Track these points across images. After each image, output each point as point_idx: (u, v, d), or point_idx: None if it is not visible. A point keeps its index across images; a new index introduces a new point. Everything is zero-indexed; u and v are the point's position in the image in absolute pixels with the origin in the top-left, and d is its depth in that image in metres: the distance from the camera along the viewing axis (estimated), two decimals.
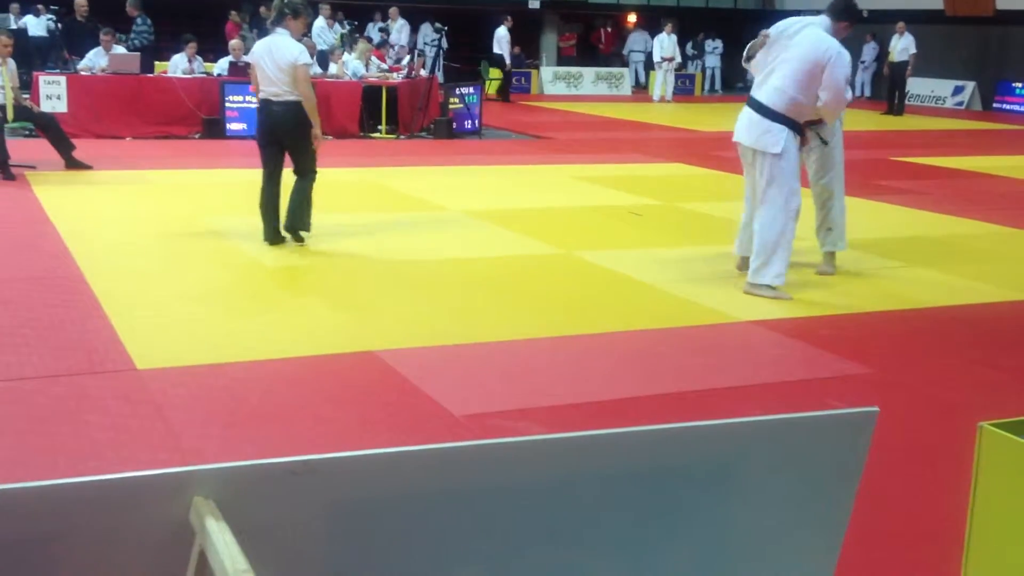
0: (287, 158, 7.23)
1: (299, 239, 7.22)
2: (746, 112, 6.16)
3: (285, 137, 7.11)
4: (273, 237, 7.14)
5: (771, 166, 5.97)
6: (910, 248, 7.73)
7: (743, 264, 6.46)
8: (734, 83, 28.52)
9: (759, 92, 6.09)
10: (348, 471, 1.63)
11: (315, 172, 7.33)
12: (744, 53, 6.39)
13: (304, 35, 16.58)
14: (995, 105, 22.70)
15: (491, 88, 22.16)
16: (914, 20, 20.32)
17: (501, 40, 21.70)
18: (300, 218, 7.22)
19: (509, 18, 21.91)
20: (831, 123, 6.36)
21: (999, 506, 2.39)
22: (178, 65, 14.28)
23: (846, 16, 6.13)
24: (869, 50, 24.46)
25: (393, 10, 21.71)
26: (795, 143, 6.00)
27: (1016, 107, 22.61)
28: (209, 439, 3.82)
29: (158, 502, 1.51)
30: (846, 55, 5.97)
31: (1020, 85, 22.55)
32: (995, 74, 22.44)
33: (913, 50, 19.41)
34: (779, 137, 5.93)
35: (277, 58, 6.91)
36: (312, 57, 14.90)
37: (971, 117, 21.10)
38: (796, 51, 5.97)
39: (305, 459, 1.60)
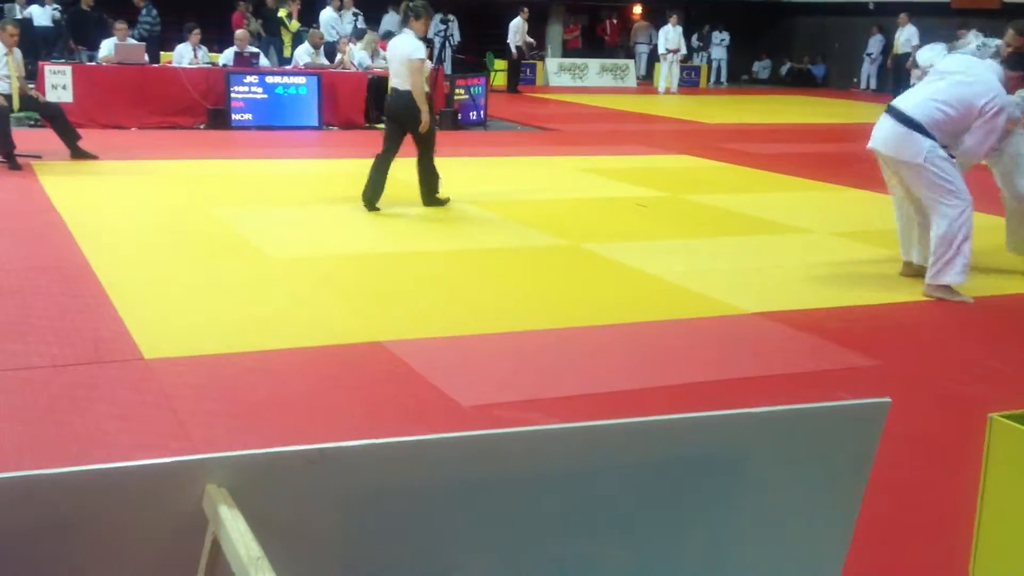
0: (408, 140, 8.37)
1: (438, 203, 8.37)
2: (886, 121, 6.12)
3: (404, 121, 8.22)
4: (369, 205, 8.18)
5: (912, 172, 6.08)
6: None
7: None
8: (739, 75, 28.48)
9: (898, 103, 6.17)
10: (361, 460, 1.64)
11: (428, 153, 8.42)
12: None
13: (312, 26, 16.57)
14: None
15: (497, 79, 22.14)
16: (921, 13, 20.26)
17: (516, 31, 21.65)
18: (426, 189, 8.35)
19: (525, 9, 21.84)
20: None
21: (1009, 497, 2.39)
22: (183, 55, 14.28)
23: None
24: (875, 43, 24.40)
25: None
26: None
27: None
28: (218, 429, 3.82)
29: (172, 490, 1.51)
30: None
31: None
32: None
33: (916, 42, 19.32)
34: None
35: (399, 53, 8.06)
36: (319, 48, 15.02)
37: None
38: (948, 82, 6.06)
39: (320, 447, 1.60)
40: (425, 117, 8.07)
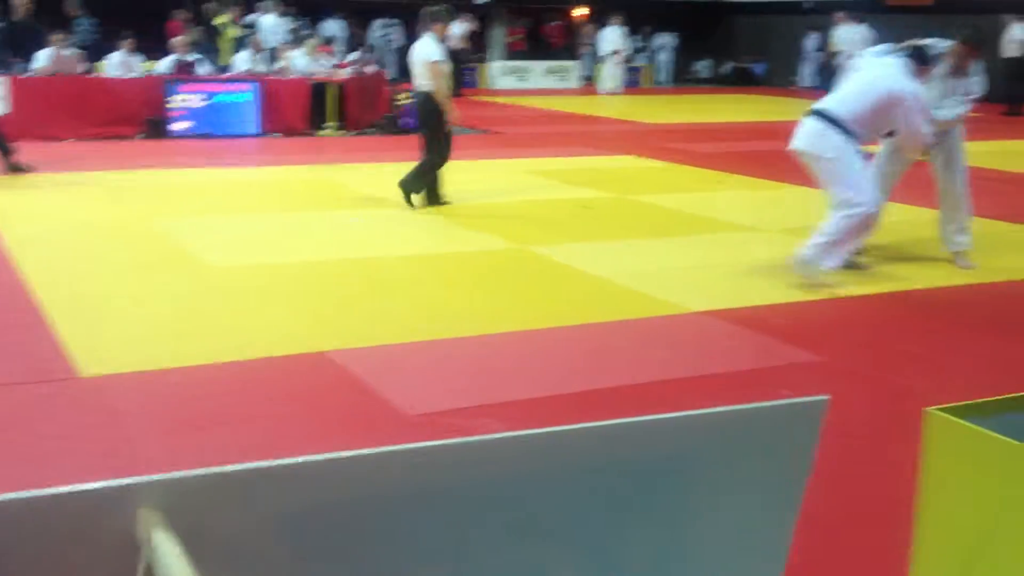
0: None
1: (408, 202, 8.50)
2: (806, 121, 6.28)
3: (422, 119, 8.70)
4: (430, 200, 8.63)
5: (822, 167, 6.27)
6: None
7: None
8: (681, 75, 28.70)
9: (819, 103, 6.33)
10: (301, 477, 1.61)
11: (438, 156, 8.62)
12: None
13: (250, 31, 16.40)
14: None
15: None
16: (855, 10, 20.55)
17: (454, 37, 21.64)
18: (409, 184, 8.55)
19: (464, 15, 21.84)
20: None
21: (947, 490, 2.42)
22: (115, 64, 14.06)
23: None
24: (811, 41, 24.69)
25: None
26: None
27: None
28: (161, 445, 3.76)
29: (102, 516, 1.47)
30: None
31: None
32: None
33: (853, 39, 19.53)
34: None
35: (419, 57, 8.43)
36: (259, 54, 14.89)
37: None
38: (866, 79, 6.26)
39: (255, 466, 1.57)
40: (451, 115, 8.49)
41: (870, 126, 6.12)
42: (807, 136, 6.18)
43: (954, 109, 6.55)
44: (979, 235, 7.78)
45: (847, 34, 19.03)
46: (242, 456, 3.46)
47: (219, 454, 3.59)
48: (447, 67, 8.60)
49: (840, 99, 6.18)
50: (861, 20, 19.23)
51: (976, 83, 6.70)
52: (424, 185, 8.63)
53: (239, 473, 1.55)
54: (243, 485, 1.56)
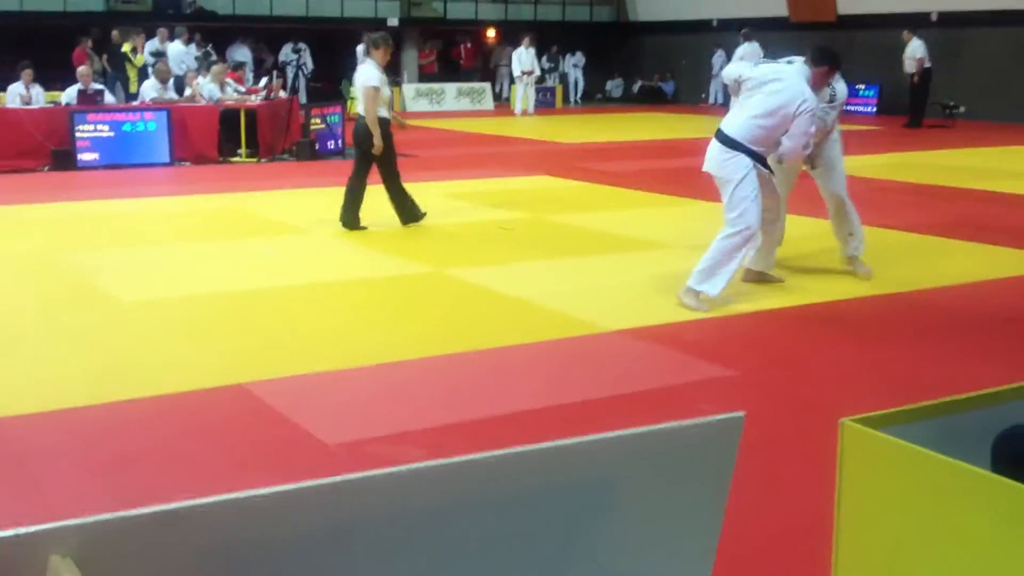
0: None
1: (415, 219, 8.91)
2: (711, 145, 6.34)
3: (359, 145, 8.80)
4: (346, 226, 8.74)
5: (726, 189, 6.29)
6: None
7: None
8: (593, 94, 29.05)
9: (722, 124, 6.37)
10: (221, 516, 1.58)
11: (362, 178, 8.86)
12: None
13: (159, 58, 16.17)
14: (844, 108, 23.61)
15: (353, 107, 21.99)
16: (760, 27, 21.03)
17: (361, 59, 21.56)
18: (401, 210, 8.89)
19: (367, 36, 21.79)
20: None
21: (863, 500, 2.47)
22: (15, 94, 13.73)
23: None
24: (718, 59, 25.17)
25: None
26: None
27: (859, 108, 23.59)
28: (73, 488, 3.66)
29: (10, 565, 1.42)
30: None
31: (863, 87, 23.53)
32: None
33: (759, 56, 19.98)
34: None
35: (358, 82, 8.68)
36: (167, 83, 14.67)
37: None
38: (764, 92, 6.28)
39: (172, 507, 1.53)
40: (376, 141, 8.51)
41: (769, 141, 6.21)
42: (714, 159, 6.25)
43: (823, 117, 6.64)
44: (882, 246, 8.00)
45: (746, 52, 19.42)
46: (158, 496, 3.39)
47: (134, 495, 3.50)
48: (386, 92, 8.71)
49: (737, 119, 6.24)
50: (749, 38, 19.57)
51: (840, 90, 6.85)
52: (407, 200, 8.97)
53: (154, 515, 1.51)
54: (159, 528, 1.52)
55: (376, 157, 8.67)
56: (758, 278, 6.82)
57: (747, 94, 6.27)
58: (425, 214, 9.00)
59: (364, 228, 8.75)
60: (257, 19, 23.74)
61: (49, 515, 3.26)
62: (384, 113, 8.64)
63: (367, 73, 8.59)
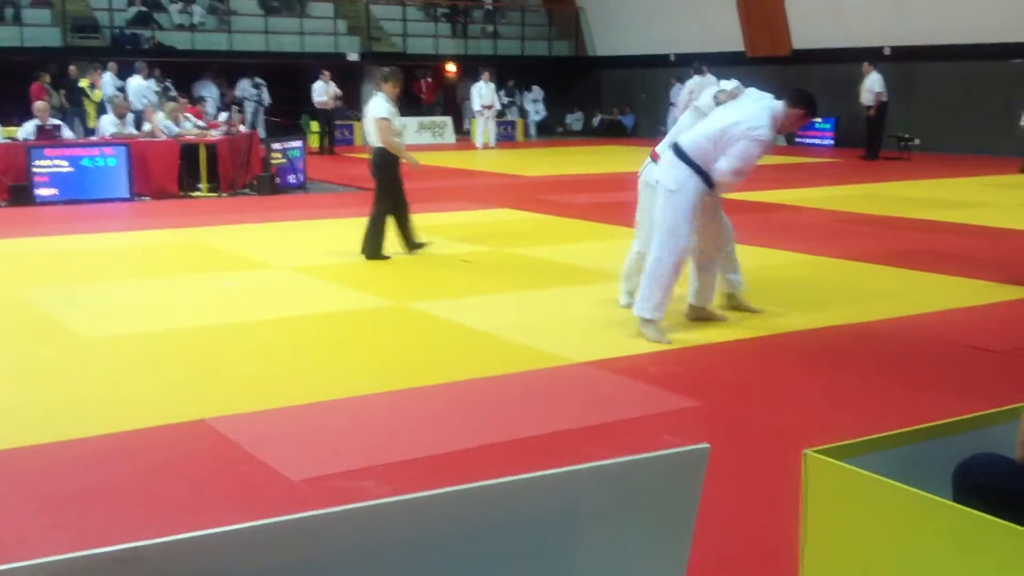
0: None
1: (379, 257, 9.02)
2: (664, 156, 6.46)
3: (374, 174, 9.15)
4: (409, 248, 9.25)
5: (660, 198, 6.36)
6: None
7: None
8: (553, 128, 29.25)
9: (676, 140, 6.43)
10: (180, 555, 1.56)
11: (389, 205, 9.10)
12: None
13: (116, 94, 16.08)
14: (797, 140, 23.96)
15: (313, 141, 21.98)
16: (719, 62, 21.30)
17: (318, 93, 21.62)
18: (371, 248, 9.01)
19: (326, 72, 21.85)
20: None
21: (828, 530, 2.49)
22: None
23: None
24: (675, 92, 25.42)
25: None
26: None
27: (816, 140, 23.94)
28: (30, 527, 3.60)
29: None
30: None
31: (819, 119, 23.88)
32: None
33: (715, 89, 20.21)
34: None
35: (369, 114, 9.06)
36: (126, 116, 14.60)
37: (775, 152, 22.16)
38: (722, 112, 6.45)
39: (130, 547, 1.51)
40: (408, 159, 9.09)
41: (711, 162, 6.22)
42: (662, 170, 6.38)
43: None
44: (840, 276, 8.10)
45: (695, 84, 19.62)
46: (119, 535, 3.34)
47: (96, 533, 3.45)
48: (396, 123, 9.01)
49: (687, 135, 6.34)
50: (701, 72, 19.76)
51: None
52: (409, 234, 9.26)
53: (115, 554, 1.49)
54: (120, 567, 1.50)
55: (389, 185, 9.03)
56: (697, 313, 6.72)
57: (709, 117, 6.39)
58: (389, 257, 9.09)
59: (387, 258, 9.01)
60: (216, 54, 23.72)
61: (6, 555, 3.20)
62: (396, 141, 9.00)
63: (377, 106, 8.95)
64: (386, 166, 9.02)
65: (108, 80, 19.00)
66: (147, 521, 3.58)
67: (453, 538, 1.80)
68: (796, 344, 6.25)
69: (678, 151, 6.25)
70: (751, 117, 6.13)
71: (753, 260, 8.47)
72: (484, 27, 29.29)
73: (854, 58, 21.10)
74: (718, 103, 6.66)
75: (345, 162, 20.14)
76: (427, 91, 27.67)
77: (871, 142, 20.28)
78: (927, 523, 2.27)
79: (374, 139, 9.03)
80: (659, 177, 6.38)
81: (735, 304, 6.96)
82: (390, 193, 9.09)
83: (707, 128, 6.25)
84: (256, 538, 1.62)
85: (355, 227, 11.23)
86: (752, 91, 6.57)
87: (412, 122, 25.33)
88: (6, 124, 14.70)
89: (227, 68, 23.62)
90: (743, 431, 4.68)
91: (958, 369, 5.73)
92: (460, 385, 5.33)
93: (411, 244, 9.28)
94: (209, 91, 22.76)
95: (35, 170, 12.84)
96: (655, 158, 6.88)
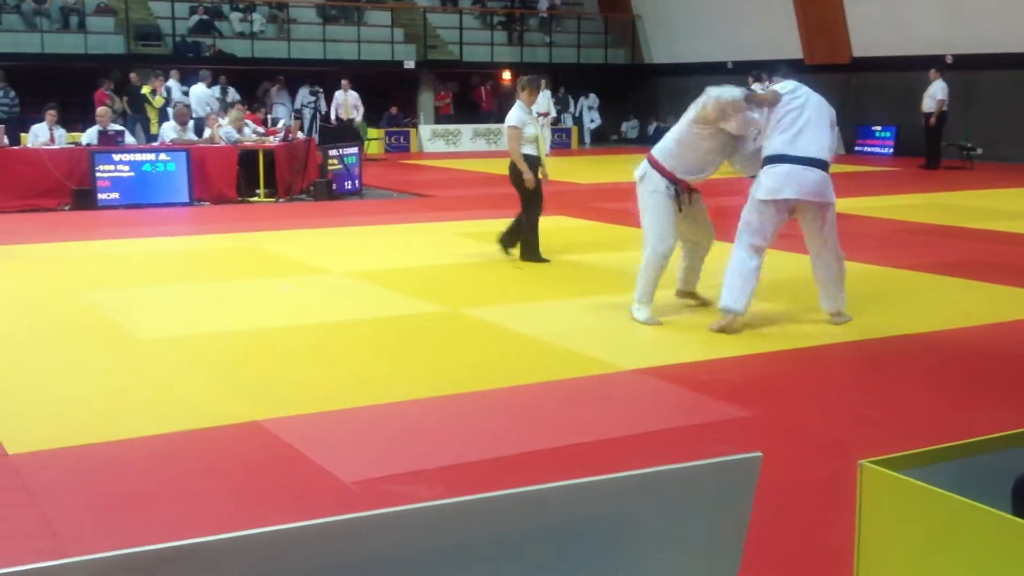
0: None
1: (507, 253, 9.33)
2: (802, 169, 6.42)
3: (512, 180, 9.30)
4: (505, 247, 9.39)
5: (832, 212, 6.65)
6: (783, 290, 7.94)
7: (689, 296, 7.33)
8: (608, 136, 29.18)
9: (808, 151, 6.44)
10: (232, 553, 1.57)
11: (529, 210, 9.25)
12: (741, 99, 6.76)
13: (179, 100, 16.32)
14: (857, 148, 23.66)
15: (371, 148, 22.13)
16: (775, 70, 21.11)
17: (338, 104, 21.44)
18: (508, 239, 9.36)
19: (345, 81, 21.76)
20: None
21: (884, 542, 2.45)
22: (38, 135, 13.90)
23: None
24: None
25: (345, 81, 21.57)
26: None
27: (876, 149, 23.63)
28: (88, 524, 3.66)
29: None
30: None
31: (879, 128, 23.59)
32: (856, 118, 23.43)
33: None
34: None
35: (506, 122, 9.23)
36: (187, 123, 14.84)
37: (836, 160, 21.89)
38: (819, 114, 6.58)
39: (184, 544, 1.53)
40: (527, 175, 9.02)
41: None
42: (821, 184, 6.47)
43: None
44: (897, 285, 7.98)
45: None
46: (173, 533, 3.38)
47: (151, 531, 3.50)
48: (529, 131, 9.08)
49: (820, 145, 6.49)
50: (760, 79, 19.59)
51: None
52: (517, 240, 9.37)
53: (169, 551, 1.51)
54: (175, 564, 1.52)
55: (528, 191, 9.11)
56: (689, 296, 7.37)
57: (794, 118, 6.53)
58: (547, 260, 9.25)
59: (547, 261, 9.20)
60: (275, 62, 24.01)
61: (59, 552, 3.26)
62: (529, 150, 9.06)
63: (510, 114, 9.20)
64: (517, 174, 9.15)
65: (174, 86, 19.31)
66: (199, 520, 3.63)
67: (502, 542, 1.80)
68: (848, 354, 6.17)
69: (823, 164, 6.49)
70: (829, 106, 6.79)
71: (808, 268, 8.37)
72: (540, 35, 29.32)
73: (915, 66, 20.78)
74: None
75: (401, 169, 20.27)
76: (486, 99, 27.76)
77: (930, 151, 19.97)
78: (986, 536, 2.22)
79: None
80: (814, 196, 6.47)
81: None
82: (533, 197, 9.18)
83: (822, 136, 6.55)
84: (305, 538, 1.63)
85: (407, 232, 11.34)
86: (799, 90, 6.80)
87: (467, 129, 25.47)
88: (70, 130, 15.01)
89: (286, 76, 23.89)
90: (797, 441, 4.62)
91: (1016, 381, 5.61)
92: (511, 391, 5.33)
93: (508, 244, 9.37)
94: (283, 99, 22.98)
95: (98, 174, 13.08)
96: None
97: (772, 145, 6.51)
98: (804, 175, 6.40)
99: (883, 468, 2.44)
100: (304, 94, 23.48)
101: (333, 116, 21.29)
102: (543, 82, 23.45)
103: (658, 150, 6.96)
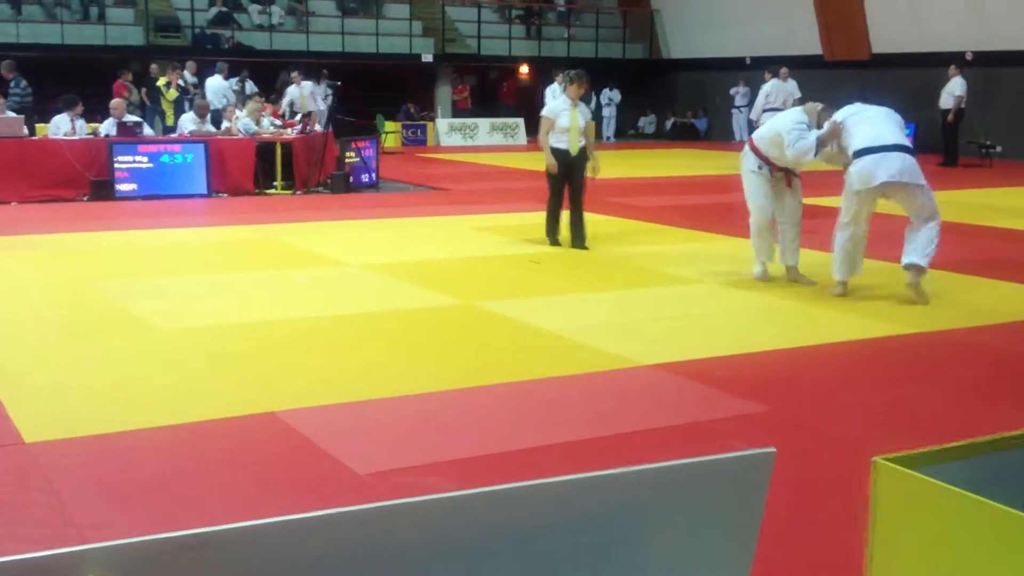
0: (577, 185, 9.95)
1: (581, 247, 9.60)
2: (896, 156, 7.13)
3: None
4: (552, 240, 9.77)
5: (925, 192, 7.27)
6: (796, 286, 7.92)
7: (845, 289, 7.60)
8: (626, 131, 29.12)
9: (887, 140, 7.18)
10: (255, 540, 1.59)
11: (551, 194, 9.80)
12: (814, 146, 7.41)
13: (195, 92, 16.36)
14: None
15: (388, 141, 22.15)
16: (797, 65, 21.03)
17: (291, 98, 19.76)
18: (572, 232, 9.72)
19: (296, 74, 20.06)
20: None
21: (897, 540, 2.44)
22: (59, 126, 13.98)
23: None
24: (741, 95, 25.10)
25: (295, 74, 21.22)
26: None
27: None
28: (104, 513, 3.69)
29: None
30: None
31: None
32: None
33: (797, 94, 19.84)
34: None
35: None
36: (206, 116, 14.89)
37: None
38: (879, 113, 7.39)
39: (197, 532, 1.54)
40: (549, 161, 9.53)
41: None
42: (912, 168, 7.16)
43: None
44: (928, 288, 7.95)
45: (772, 89, 19.37)
46: (189, 521, 3.40)
47: (168, 519, 3.53)
48: (562, 122, 9.44)
49: (897, 134, 7.24)
50: (776, 75, 19.54)
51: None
52: (554, 224, 9.78)
53: (190, 538, 1.53)
54: (191, 551, 1.53)
55: (554, 177, 9.58)
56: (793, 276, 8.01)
57: (865, 119, 7.30)
58: (586, 248, 9.58)
59: (558, 244, 9.68)
60: (294, 54, 24.06)
61: (78, 540, 3.29)
62: (556, 143, 9.51)
63: (548, 105, 9.91)
64: (561, 164, 9.50)
65: (188, 78, 19.36)
66: (214, 510, 3.65)
67: (516, 535, 1.81)
68: (866, 351, 6.15)
69: (911, 150, 7.22)
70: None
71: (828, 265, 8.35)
72: (559, 28, 29.26)
73: (934, 63, 20.66)
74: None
75: (418, 162, 20.29)
76: (507, 93, 27.74)
77: (948, 149, 19.85)
78: (1002, 536, 2.22)
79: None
80: (909, 179, 7.13)
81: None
82: (555, 183, 9.62)
83: (896, 128, 7.38)
84: (320, 528, 1.64)
85: (424, 225, 11.35)
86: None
87: (484, 123, 25.46)
88: (90, 120, 15.09)
89: (304, 69, 23.94)
90: (811, 437, 4.62)
91: None
92: (526, 384, 5.34)
93: (574, 240, 9.71)
94: (307, 89, 22.51)
95: (116, 166, 13.15)
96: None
97: (854, 143, 7.19)
98: (892, 160, 7.08)
99: (897, 465, 2.43)
100: (322, 88, 23.49)
101: (288, 114, 19.25)
102: (561, 76, 23.42)
103: (758, 135, 8.10)
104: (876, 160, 7.09)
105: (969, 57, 21.22)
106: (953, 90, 19.67)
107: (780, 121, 7.84)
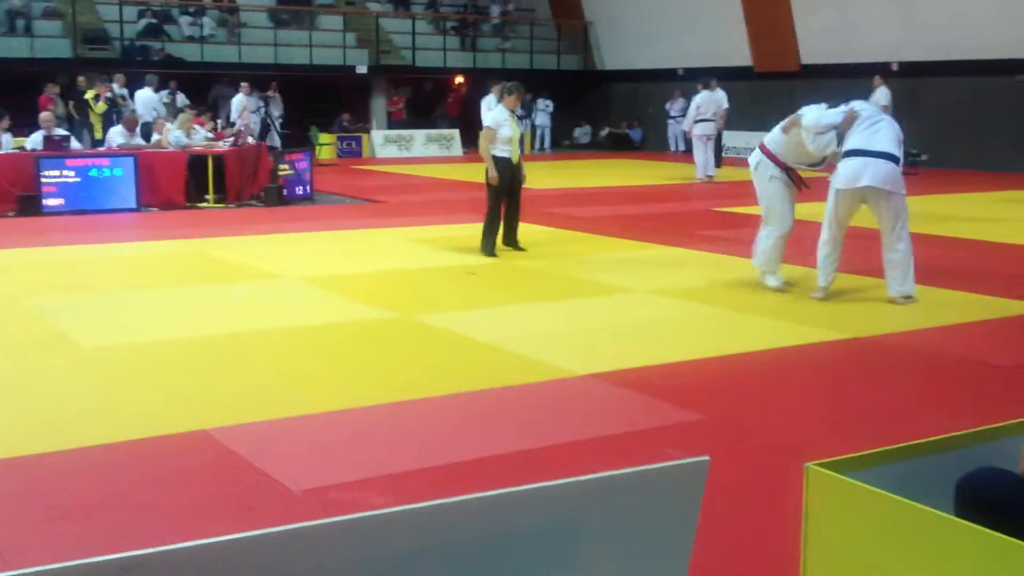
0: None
1: (516, 248, 10.04)
2: (884, 163, 7.26)
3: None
4: (488, 252, 9.79)
5: (903, 202, 7.43)
6: (731, 294, 8.02)
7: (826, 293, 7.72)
8: (561, 141, 29.27)
9: (880, 146, 7.30)
10: (181, 563, 1.56)
11: (489, 206, 9.94)
12: (834, 126, 7.52)
13: (123, 105, 16.09)
14: None
15: (323, 153, 21.99)
16: (728, 77, 21.30)
17: (238, 107, 20.75)
18: (510, 238, 10.08)
19: (245, 84, 21.17)
20: None
21: (829, 544, 2.47)
22: None
23: None
24: (677, 106, 25.33)
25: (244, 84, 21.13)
26: None
27: None
28: (31, 537, 3.59)
29: None
30: None
31: None
32: None
33: (725, 104, 20.03)
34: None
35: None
36: (135, 129, 14.66)
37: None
38: (890, 126, 7.51)
39: (132, 555, 1.51)
40: (491, 173, 9.72)
41: None
42: (897, 177, 7.30)
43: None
44: (846, 290, 8.09)
45: (703, 100, 19.53)
46: (120, 544, 3.33)
47: (95, 542, 3.45)
48: (504, 132, 9.70)
49: (890, 144, 7.31)
50: (709, 86, 19.68)
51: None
52: (493, 237, 9.87)
53: (119, 562, 1.49)
54: (130, 572, 1.50)
55: (494, 188, 9.73)
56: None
57: (869, 123, 7.39)
58: (523, 249, 9.96)
59: (495, 256, 9.69)
60: (225, 66, 23.81)
61: (8, 563, 3.20)
62: (499, 152, 9.73)
63: (488, 115, 10.11)
64: (501, 172, 9.70)
65: (118, 91, 19.07)
66: (148, 531, 3.58)
67: (453, 549, 1.80)
68: (800, 358, 6.24)
69: (894, 159, 7.28)
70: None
71: (754, 274, 8.47)
72: (493, 40, 29.32)
73: (863, 73, 21.05)
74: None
75: (353, 174, 20.17)
76: (453, 104, 27.71)
77: None
78: (929, 538, 2.26)
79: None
80: (887, 185, 7.24)
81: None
82: (495, 194, 9.79)
83: (892, 138, 7.43)
84: (257, 548, 1.62)
85: (358, 238, 11.28)
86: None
87: (420, 134, 25.40)
88: (16, 135, 14.77)
89: (235, 80, 23.71)
90: (746, 444, 4.66)
91: (963, 384, 5.71)
92: (462, 397, 5.32)
93: (508, 243, 10.03)
94: (235, 98, 22.36)
95: (43, 180, 12.88)
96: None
97: (850, 142, 7.37)
98: (879, 166, 7.23)
99: (828, 471, 2.47)
100: (254, 100, 23.28)
101: (224, 124, 19.70)
102: (496, 88, 23.46)
103: (770, 140, 7.95)
104: (864, 163, 7.25)
105: (895, 67, 21.69)
106: (878, 100, 20.04)
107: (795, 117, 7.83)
